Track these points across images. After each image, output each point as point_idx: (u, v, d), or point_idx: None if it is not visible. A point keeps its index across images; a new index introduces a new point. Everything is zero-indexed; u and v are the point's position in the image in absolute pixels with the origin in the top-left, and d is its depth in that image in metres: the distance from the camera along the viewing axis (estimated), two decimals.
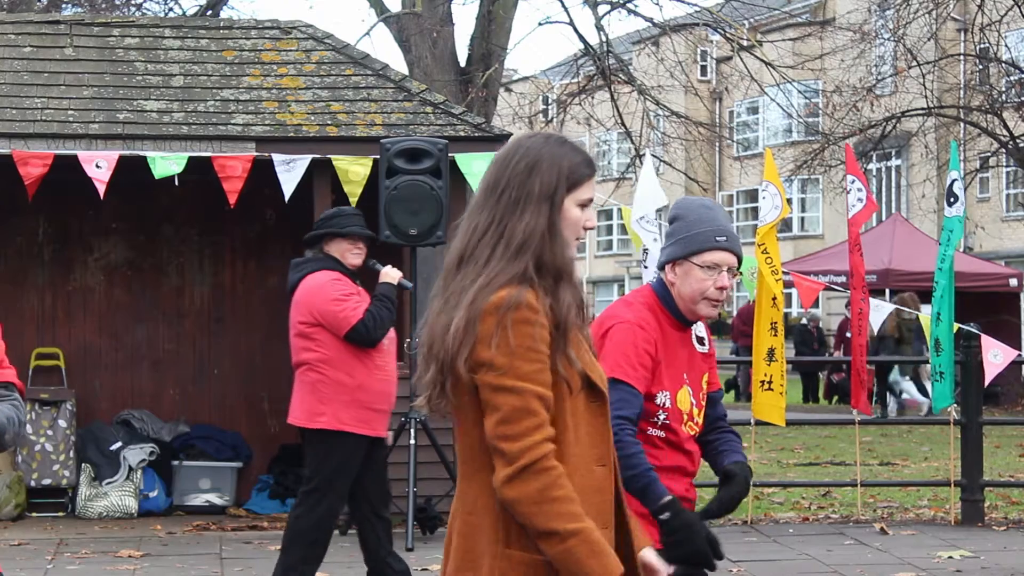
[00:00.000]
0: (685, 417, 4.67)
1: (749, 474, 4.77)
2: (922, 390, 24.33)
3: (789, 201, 42.16)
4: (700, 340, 4.74)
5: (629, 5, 25.86)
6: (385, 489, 8.58)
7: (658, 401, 4.60)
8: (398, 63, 26.44)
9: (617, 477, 3.66)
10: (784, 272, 11.82)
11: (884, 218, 34.57)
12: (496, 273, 3.52)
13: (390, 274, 8.74)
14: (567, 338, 3.52)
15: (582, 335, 3.61)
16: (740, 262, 4.79)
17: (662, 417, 4.62)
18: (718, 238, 4.67)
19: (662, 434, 4.64)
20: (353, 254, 8.38)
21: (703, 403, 4.79)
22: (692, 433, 4.71)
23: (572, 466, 3.52)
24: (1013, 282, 27.15)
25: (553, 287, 3.54)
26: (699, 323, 4.77)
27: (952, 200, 11.51)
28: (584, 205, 3.63)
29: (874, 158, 34.52)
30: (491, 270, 3.52)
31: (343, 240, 8.37)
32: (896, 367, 24.42)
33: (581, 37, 25.30)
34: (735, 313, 31.95)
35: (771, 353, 10.96)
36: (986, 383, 11.72)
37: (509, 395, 3.42)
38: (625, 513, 3.69)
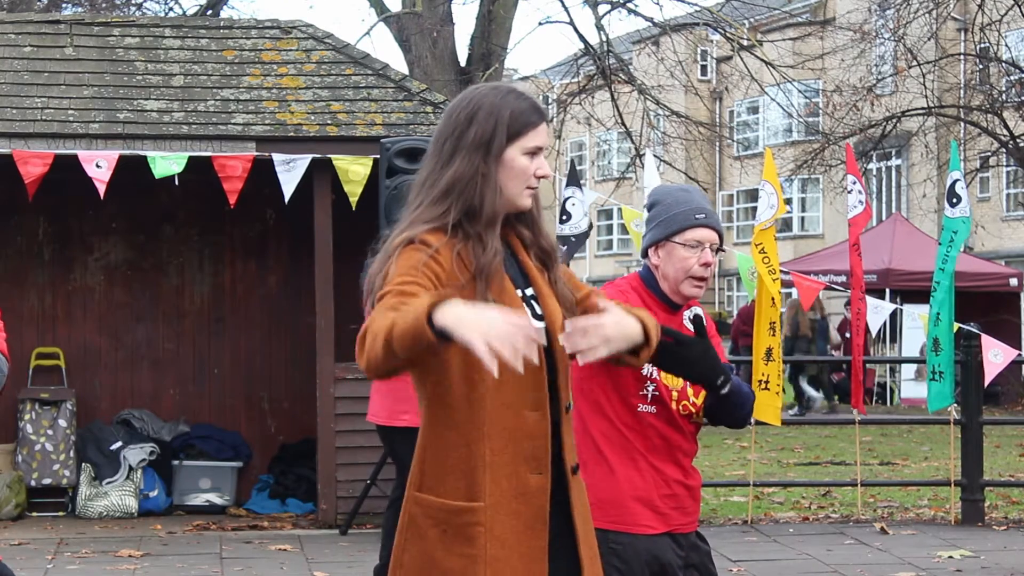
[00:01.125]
0: (676, 394, 4.62)
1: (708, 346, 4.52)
2: (817, 387, 24.69)
3: (789, 201, 42.13)
4: (698, 328, 4.70)
5: (629, 5, 25.85)
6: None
7: (645, 371, 4.55)
8: (398, 63, 26.49)
9: (561, 427, 3.61)
10: (784, 272, 11.83)
11: (884, 218, 34.57)
12: (414, 218, 3.57)
13: None
14: (488, 284, 3.51)
15: (543, 279, 3.62)
16: (721, 239, 4.78)
17: (651, 388, 4.58)
18: (697, 215, 4.67)
19: (653, 409, 4.59)
20: None
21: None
22: (686, 413, 4.67)
23: (494, 410, 3.51)
24: (1013, 282, 27.16)
25: (482, 233, 3.54)
26: (700, 312, 4.73)
27: (954, 201, 11.50)
28: (533, 153, 3.61)
29: (874, 158, 34.49)
30: (414, 215, 3.58)
31: None
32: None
33: (581, 37, 25.30)
34: (735, 314, 31.95)
35: (768, 353, 10.97)
36: (986, 383, 11.71)
37: (379, 300, 3.44)
38: (564, 463, 3.64)
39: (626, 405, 4.54)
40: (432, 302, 3.23)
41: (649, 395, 4.58)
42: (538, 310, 3.63)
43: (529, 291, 3.65)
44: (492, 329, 3.17)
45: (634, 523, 4.53)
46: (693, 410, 4.66)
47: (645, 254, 4.76)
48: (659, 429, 4.58)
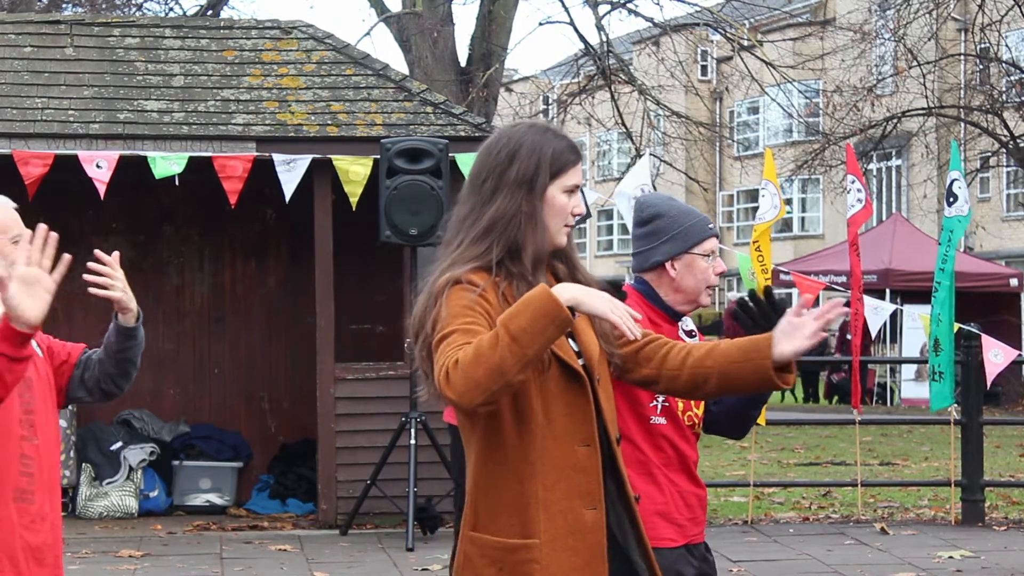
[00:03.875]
0: (681, 405, 4.64)
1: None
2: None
3: (789, 201, 42.15)
4: (689, 334, 4.72)
5: (629, 5, 25.85)
6: None
7: None
8: (398, 63, 26.48)
9: (617, 460, 3.63)
10: (784, 272, 11.85)
11: (884, 218, 34.57)
12: (456, 258, 3.56)
13: None
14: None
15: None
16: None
17: (660, 400, 4.59)
18: (709, 226, 4.70)
19: (663, 420, 4.60)
20: None
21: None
22: (690, 424, 4.68)
23: (544, 446, 3.51)
24: (1013, 282, 27.16)
25: (526, 272, 3.56)
26: (686, 318, 4.74)
27: (952, 200, 11.50)
28: (570, 192, 3.63)
29: (874, 158, 34.51)
30: (456, 255, 3.57)
31: None
32: None
33: (581, 37, 25.30)
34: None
35: None
36: (987, 383, 11.71)
37: (440, 343, 3.43)
38: (628, 496, 3.66)
39: (639, 418, 4.54)
40: (546, 287, 3.34)
41: (659, 406, 4.59)
42: (575, 346, 3.63)
43: None
44: (611, 302, 3.33)
45: (656, 537, 4.51)
46: (696, 420, 4.68)
47: (645, 269, 4.72)
48: (671, 440, 4.60)
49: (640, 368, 3.79)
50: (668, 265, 4.67)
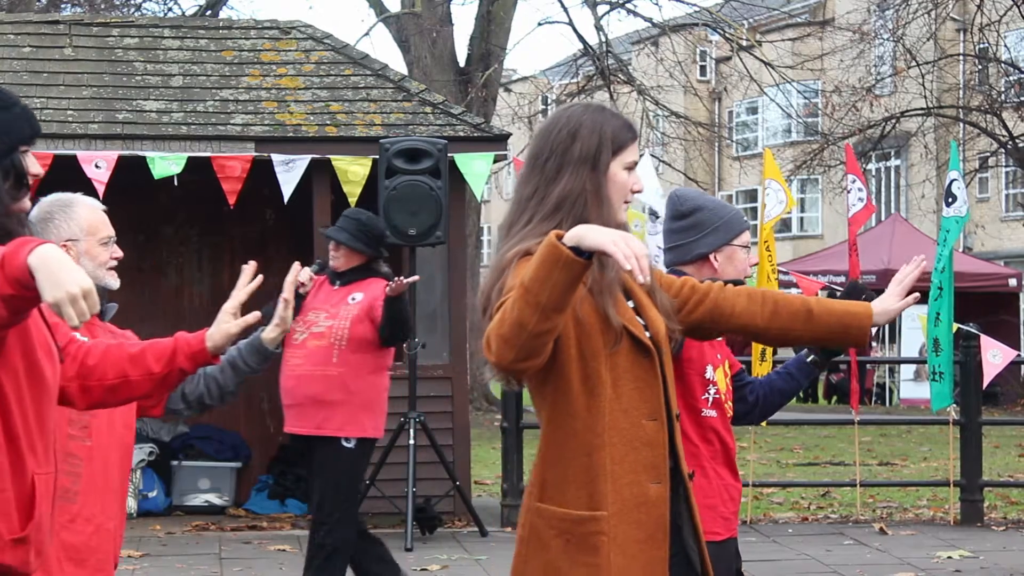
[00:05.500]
0: (724, 397, 4.71)
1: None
2: None
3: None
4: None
5: (628, 5, 25.86)
6: (323, 495, 8.10)
7: (707, 375, 4.62)
8: (397, 63, 26.47)
9: (676, 436, 3.67)
10: (783, 272, 11.86)
11: (884, 218, 34.58)
12: (527, 233, 3.61)
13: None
14: (612, 297, 3.57)
15: (641, 290, 3.68)
16: None
17: (712, 392, 4.64)
18: (744, 219, 4.84)
19: (714, 413, 4.66)
20: (331, 257, 8.36)
21: (731, 386, 4.83)
22: (730, 415, 4.76)
23: (613, 418, 3.55)
24: (1012, 282, 27.16)
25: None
26: None
27: (950, 200, 11.51)
28: (629, 168, 3.70)
29: (873, 158, 34.51)
30: (526, 231, 3.61)
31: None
32: None
33: (580, 37, 25.30)
34: None
35: (763, 353, 10.99)
36: (985, 383, 11.71)
37: (497, 311, 3.47)
38: (683, 473, 3.69)
39: (691, 410, 4.59)
40: (556, 232, 3.33)
41: (711, 399, 4.64)
42: (642, 321, 3.68)
43: (630, 303, 3.70)
44: (617, 235, 3.28)
45: (706, 530, 4.55)
46: (731, 413, 4.76)
47: (686, 261, 4.76)
48: (719, 433, 4.66)
49: (710, 334, 4.02)
50: (711, 257, 4.74)
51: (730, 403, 4.74)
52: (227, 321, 3.75)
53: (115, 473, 4.24)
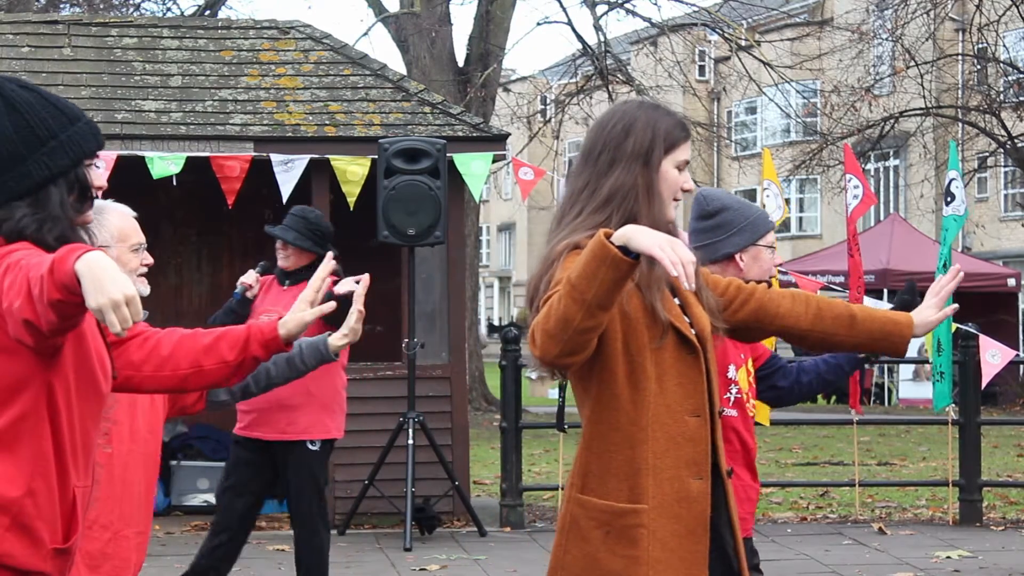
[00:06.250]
0: (746, 396, 4.73)
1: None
2: None
3: (787, 201, 42.20)
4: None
5: (627, 5, 25.86)
6: (301, 498, 8.11)
7: (730, 374, 4.63)
8: (396, 63, 26.49)
9: (717, 432, 3.68)
10: (783, 271, 11.82)
11: (882, 218, 34.58)
12: (576, 225, 3.64)
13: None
14: (659, 292, 3.59)
15: (687, 288, 3.65)
16: None
17: (734, 391, 4.65)
18: (769, 219, 4.89)
19: (735, 412, 4.68)
20: (280, 256, 8.34)
21: (754, 385, 4.85)
22: (751, 414, 4.77)
23: (655, 413, 3.58)
24: (1011, 282, 27.15)
25: None
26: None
27: (949, 199, 11.51)
28: (680, 166, 3.77)
29: (872, 158, 34.51)
30: (575, 223, 3.64)
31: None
32: None
33: (579, 37, 25.30)
34: None
35: None
36: (984, 383, 11.71)
37: (544, 303, 3.49)
38: (722, 469, 3.71)
39: None
40: (605, 230, 3.35)
41: (732, 398, 4.66)
42: (687, 319, 3.70)
43: (676, 300, 3.71)
44: (664, 240, 3.29)
45: None
46: (755, 411, 4.77)
47: (711, 260, 4.77)
48: (739, 433, 4.68)
49: (754, 334, 4.01)
50: (737, 257, 4.76)
51: (753, 402, 4.75)
52: (303, 309, 3.73)
53: (137, 480, 4.24)
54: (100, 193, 3.46)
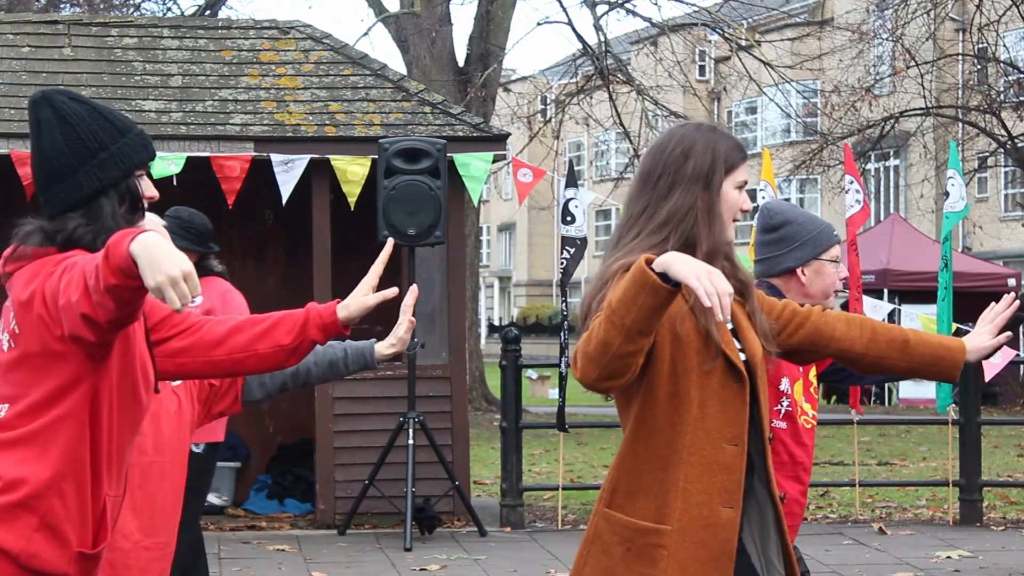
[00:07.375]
0: (799, 411, 4.70)
1: None
2: None
3: (786, 201, 42.17)
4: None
5: (627, 5, 25.85)
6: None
7: (782, 387, 4.62)
8: (396, 63, 26.50)
9: (767, 459, 3.68)
10: None
11: (882, 218, 34.58)
12: (633, 247, 3.65)
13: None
14: (707, 314, 3.57)
15: (742, 312, 3.70)
16: None
17: (785, 404, 4.64)
18: (833, 232, 4.86)
19: (784, 425, 4.66)
20: None
21: (815, 397, 4.83)
22: (808, 427, 4.74)
23: (694, 438, 3.58)
24: (1011, 282, 27.16)
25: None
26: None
27: (948, 197, 11.53)
28: (740, 187, 3.75)
29: (872, 158, 34.49)
30: (632, 245, 3.66)
31: None
32: None
33: (579, 37, 25.29)
34: None
35: None
36: (987, 378, 11.71)
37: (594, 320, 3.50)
38: (774, 495, 3.70)
39: None
40: (647, 256, 3.36)
41: (783, 411, 4.64)
42: (739, 345, 3.70)
43: (729, 325, 3.70)
44: (703, 270, 3.29)
45: None
46: (813, 423, 4.74)
47: (773, 274, 4.77)
48: (787, 445, 4.66)
49: (809, 357, 4.00)
50: (799, 271, 4.75)
51: (807, 416, 4.73)
52: (365, 293, 3.70)
53: (161, 491, 4.23)
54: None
